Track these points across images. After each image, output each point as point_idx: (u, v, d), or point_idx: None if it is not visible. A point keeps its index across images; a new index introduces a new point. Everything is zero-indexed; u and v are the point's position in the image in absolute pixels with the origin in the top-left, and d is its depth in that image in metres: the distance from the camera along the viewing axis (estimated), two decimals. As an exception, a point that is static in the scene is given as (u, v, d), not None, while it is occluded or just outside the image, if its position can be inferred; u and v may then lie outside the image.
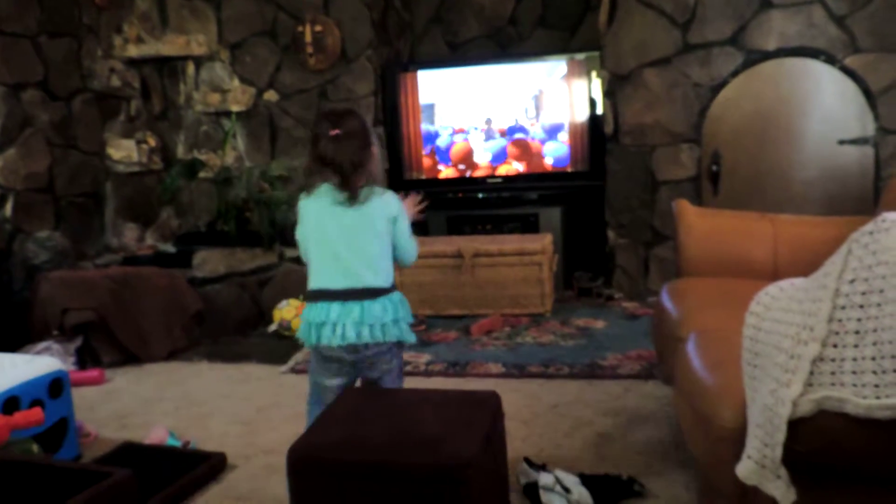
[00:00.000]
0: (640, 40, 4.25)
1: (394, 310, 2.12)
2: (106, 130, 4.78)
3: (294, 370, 3.53)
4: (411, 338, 2.18)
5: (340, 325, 2.07)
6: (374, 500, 1.70)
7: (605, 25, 4.32)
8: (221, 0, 4.91)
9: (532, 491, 2.17)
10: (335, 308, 2.09)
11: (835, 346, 1.26)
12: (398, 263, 2.25)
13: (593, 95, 4.55)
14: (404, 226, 2.22)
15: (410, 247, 2.25)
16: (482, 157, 4.81)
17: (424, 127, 4.86)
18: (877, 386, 1.20)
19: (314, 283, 2.16)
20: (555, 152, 4.68)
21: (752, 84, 4.11)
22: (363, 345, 2.09)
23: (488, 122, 4.75)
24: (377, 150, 2.19)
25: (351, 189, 2.10)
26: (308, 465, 1.76)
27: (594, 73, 4.51)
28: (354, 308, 2.08)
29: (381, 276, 2.13)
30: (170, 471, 2.41)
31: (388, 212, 2.16)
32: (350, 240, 2.12)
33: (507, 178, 4.80)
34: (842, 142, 4.02)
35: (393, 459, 1.72)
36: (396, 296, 2.16)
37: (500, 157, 4.79)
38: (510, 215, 4.74)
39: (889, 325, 1.20)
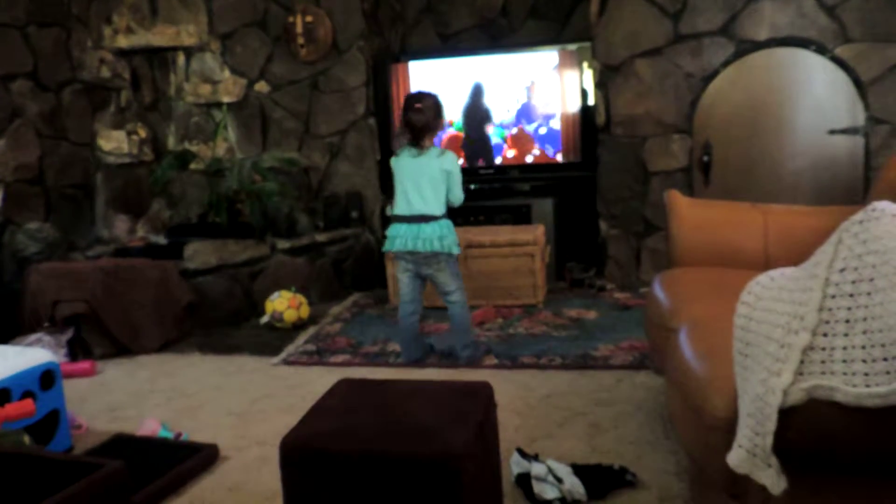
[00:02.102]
0: (631, 31, 4.24)
1: (440, 230, 3.20)
2: (96, 121, 4.74)
3: (286, 361, 3.53)
4: (456, 250, 3.24)
5: (406, 238, 3.20)
6: (366, 490, 1.70)
7: (596, 16, 4.32)
8: (212, -10, 4.88)
9: (524, 481, 2.18)
10: (403, 227, 3.22)
11: (825, 335, 1.26)
12: (450, 203, 3.28)
13: (585, 86, 4.55)
14: (455, 178, 3.24)
15: (458, 193, 3.27)
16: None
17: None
18: (866, 374, 1.20)
19: (394, 210, 3.31)
20: (547, 143, 4.68)
21: (743, 74, 4.12)
22: (420, 252, 3.19)
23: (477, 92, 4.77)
24: (445, 122, 3.66)
25: (419, 145, 3.21)
26: (301, 455, 1.76)
27: (586, 64, 4.51)
28: (414, 228, 3.19)
29: (434, 207, 3.20)
30: (162, 462, 2.40)
31: (444, 165, 3.20)
32: (415, 181, 3.20)
33: (500, 169, 4.79)
34: (832, 131, 4.03)
35: (386, 450, 1.72)
36: (445, 221, 3.24)
37: (495, 147, 4.79)
38: (502, 206, 4.74)
39: (879, 314, 1.20)
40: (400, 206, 3.25)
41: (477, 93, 4.74)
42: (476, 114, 4.78)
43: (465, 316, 3.32)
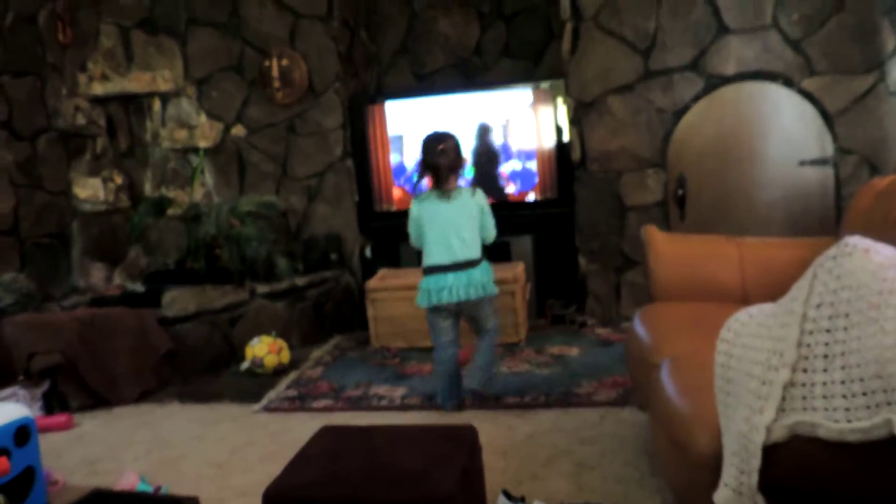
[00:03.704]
0: (603, 68, 4.32)
1: (488, 273, 3.17)
2: (71, 169, 4.72)
3: (267, 409, 3.48)
4: (497, 290, 3.25)
5: (455, 288, 3.08)
6: (351, 541, 1.68)
7: (568, 53, 4.39)
8: (187, 35, 4.91)
9: (512, 524, 2.16)
10: (449, 277, 3.09)
11: (805, 370, 1.27)
12: (485, 240, 3.22)
13: (559, 123, 4.61)
14: (489, 214, 3.21)
15: (493, 228, 3.25)
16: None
17: (395, 158, 4.88)
18: (847, 409, 1.21)
19: (430, 260, 3.16)
20: (523, 180, 4.72)
21: (713, 108, 4.19)
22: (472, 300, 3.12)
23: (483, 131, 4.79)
24: (466, 160, 3.41)
25: (447, 187, 3.13)
26: (284, 507, 1.73)
27: (560, 101, 4.57)
28: (462, 276, 3.09)
29: (476, 249, 3.15)
30: (142, 518, 2.35)
31: (480, 202, 3.18)
32: (453, 225, 3.11)
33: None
34: (802, 163, 4.10)
35: (370, 497, 1.70)
36: (486, 263, 3.18)
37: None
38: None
39: (856, 349, 1.22)
40: (439, 255, 3.12)
41: (483, 133, 4.76)
42: (484, 153, 4.80)
43: (492, 353, 3.30)
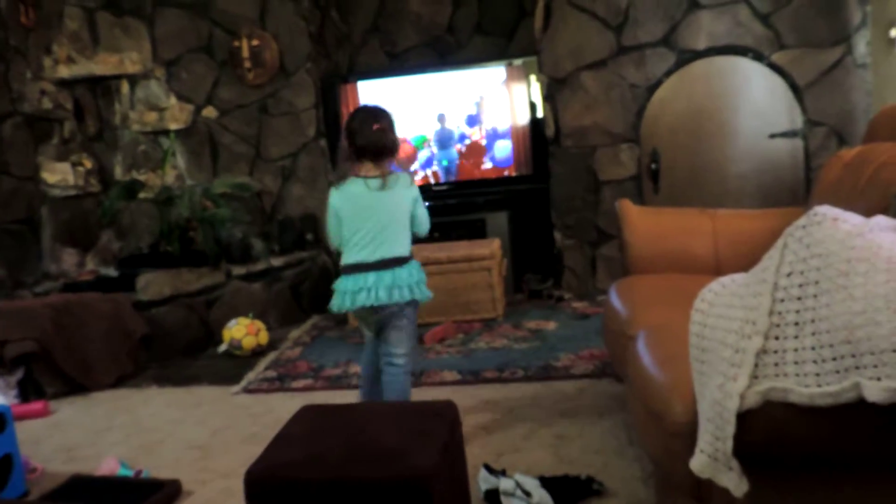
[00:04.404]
0: (575, 44, 4.32)
1: (417, 274, 2.61)
2: (39, 154, 4.63)
3: (247, 390, 3.48)
4: (429, 294, 2.66)
5: (375, 290, 2.51)
6: (335, 518, 1.69)
7: (540, 31, 4.38)
8: (155, 17, 4.82)
9: (493, 497, 2.18)
10: (370, 277, 2.52)
11: (776, 338, 1.30)
12: (417, 234, 2.67)
13: (533, 100, 4.61)
14: (422, 204, 2.64)
15: (427, 220, 2.68)
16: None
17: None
18: (817, 375, 1.24)
19: (350, 258, 2.57)
20: (499, 157, 4.72)
21: (685, 83, 4.22)
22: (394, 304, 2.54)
23: (441, 119, 4.77)
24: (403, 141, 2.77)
25: (380, 173, 2.54)
26: (266, 486, 1.74)
27: (533, 78, 4.57)
28: (386, 276, 2.53)
29: (405, 246, 2.60)
30: (122, 502, 2.35)
31: (413, 193, 2.60)
32: (380, 218, 2.54)
33: (453, 185, 4.82)
34: (773, 135, 4.15)
35: (352, 475, 1.71)
36: (415, 262, 2.65)
37: (449, 164, 4.82)
38: (457, 222, 4.76)
39: (825, 316, 1.25)
40: (360, 252, 2.54)
41: (443, 119, 4.77)
42: (445, 135, 4.81)
43: (408, 386, 2.65)
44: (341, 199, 2.57)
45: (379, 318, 2.59)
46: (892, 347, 1.15)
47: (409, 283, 2.56)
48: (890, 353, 1.15)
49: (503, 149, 4.71)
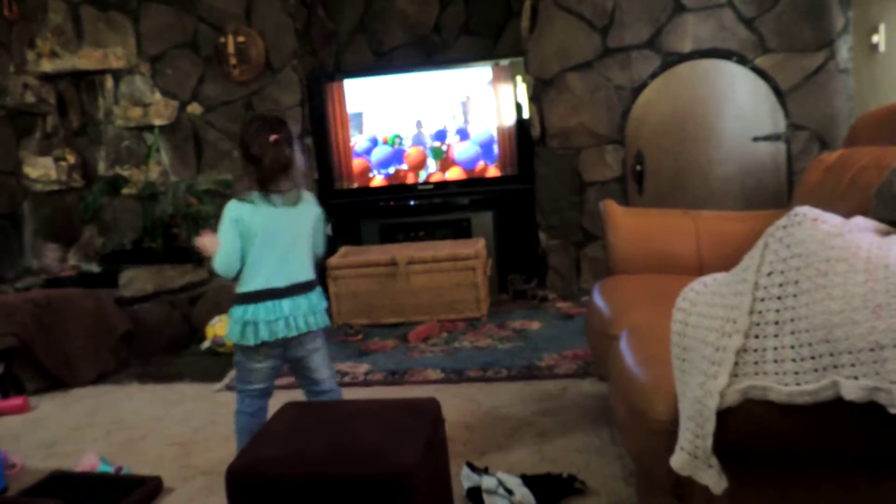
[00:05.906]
0: (561, 45, 4.34)
1: (323, 299, 2.42)
2: (21, 148, 4.59)
3: (229, 387, 3.46)
4: (328, 321, 2.45)
5: (292, 318, 2.30)
6: (317, 514, 1.69)
7: (527, 31, 4.40)
8: (140, 12, 4.79)
9: (475, 495, 2.19)
10: (284, 305, 2.29)
11: (756, 336, 1.31)
12: (315, 256, 2.46)
13: (519, 100, 4.62)
14: (322, 224, 2.47)
15: (323, 242, 2.51)
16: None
17: (361, 137, 4.85)
18: (796, 373, 1.25)
19: (258, 282, 2.31)
20: (483, 157, 4.73)
21: (670, 85, 4.25)
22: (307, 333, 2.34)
23: (419, 124, 4.77)
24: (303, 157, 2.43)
25: (281, 189, 2.30)
26: (248, 483, 1.74)
27: (519, 79, 4.58)
28: (301, 302, 2.33)
29: (312, 269, 2.41)
30: (103, 498, 2.33)
31: (317, 210, 2.43)
32: (290, 239, 2.33)
33: (439, 185, 4.82)
34: (756, 138, 4.19)
35: (334, 472, 1.71)
36: (319, 286, 2.44)
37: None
38: (442, 221, 4.77)
39: (804, 315, 1.26)
40: (272, 276, 2.29)
41: (420, 125, 4.78)
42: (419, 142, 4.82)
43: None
44: (250, 215, 2.27)
45: (291, 350, 2.35)
46: (869, 346, 1.17)
47: (321, 309, 2.39)
48: (867, 352, 1.17)
49: (466, 150, 4.71)
